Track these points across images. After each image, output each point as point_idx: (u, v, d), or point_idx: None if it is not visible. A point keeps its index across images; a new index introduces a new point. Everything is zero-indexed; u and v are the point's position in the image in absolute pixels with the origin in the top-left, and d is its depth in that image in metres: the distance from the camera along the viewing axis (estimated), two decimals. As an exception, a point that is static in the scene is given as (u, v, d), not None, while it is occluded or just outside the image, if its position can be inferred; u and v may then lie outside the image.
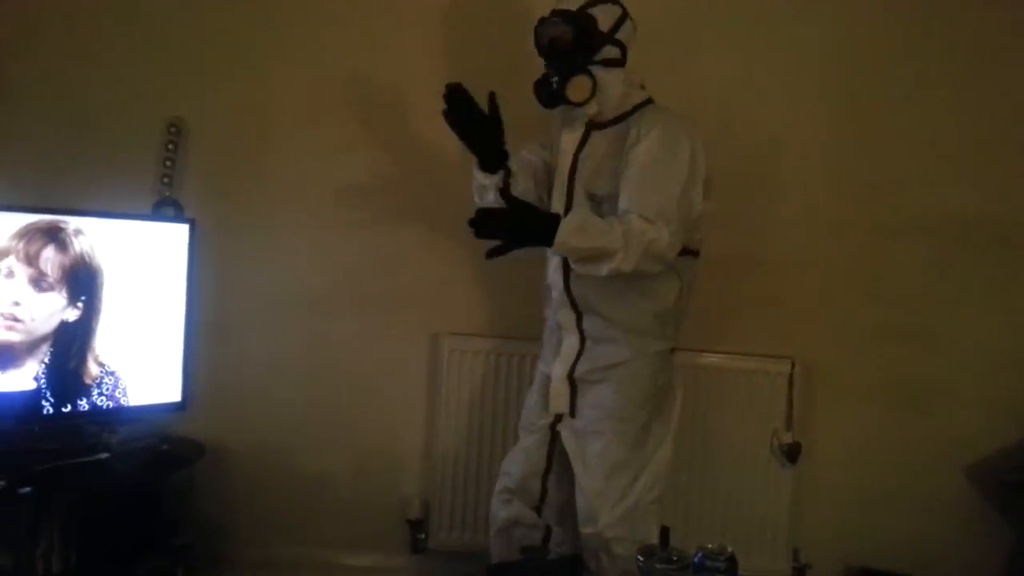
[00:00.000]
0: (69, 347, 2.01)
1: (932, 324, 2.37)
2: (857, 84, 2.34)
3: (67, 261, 2.00)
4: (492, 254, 1.63)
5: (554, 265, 1.85)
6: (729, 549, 1.39)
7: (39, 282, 1.96)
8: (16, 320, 1.93)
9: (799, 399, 2.32)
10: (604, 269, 1.62)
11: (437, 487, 2.37)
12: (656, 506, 1.80)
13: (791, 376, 2.32)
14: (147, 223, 2.23)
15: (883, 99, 2.34)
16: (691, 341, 2.28)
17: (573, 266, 1.71)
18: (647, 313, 1.80)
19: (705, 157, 1.74)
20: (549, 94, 1.76)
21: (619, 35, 1.77)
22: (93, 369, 2.06)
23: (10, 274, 1.92)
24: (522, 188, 1.88)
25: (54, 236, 1.98)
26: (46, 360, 1.98)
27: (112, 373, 2.09)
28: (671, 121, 1.74)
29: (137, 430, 2.12)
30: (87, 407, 2.05)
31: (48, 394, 1.99)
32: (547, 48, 1.78)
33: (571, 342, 1.86)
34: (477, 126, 1.77)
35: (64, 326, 2.01)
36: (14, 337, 1.93)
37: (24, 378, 1.96)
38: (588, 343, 1.84)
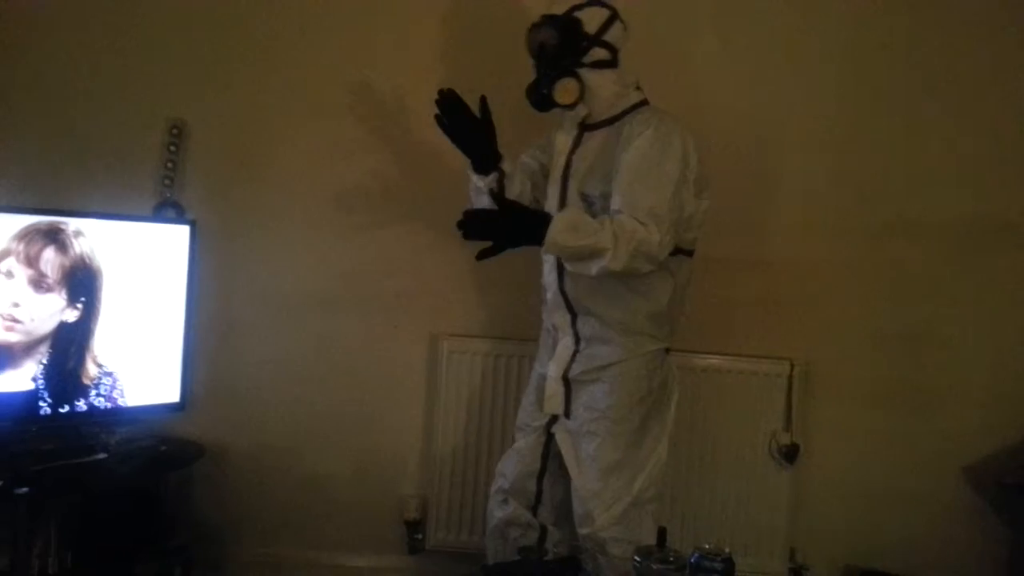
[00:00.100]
0: (68, 348, 2.02)
1: (930, 326, 2.37)
2: (857, 85, 2.35)
3: (67, 262, 2.00)
4: (483, 255, 1.63)
5: (549, 267, 1.86)
6: (726, 550, 1.39)
7: (39, 283, 1.96)
8: (16, 321, 1.94)
9: (798, 400, 2.32)
10: (594, 268, 1.63)
11: (435, 488, 2.37)
12: (652, 506, 1.80)
13: (790, 377, 2.32)
14: (148, 224, 2.24)
15: (883, 100, 2.35)
16: (690, 343, 2.29)
17: (565, 264, 1.71)
18: (641, 313, 1.80)
19: (698, 157, 1.74)
20: (538, 97, 1.79)
21: (607, 37, 1.79)
22: (91, 370, 2.07)
23: (10, 275, 1.92)
24: (518, 190, 1.91)
25: (54, 237, 1.99)
26: (44, 361, 1.99)
27: (110, 374, 2.10)
28: (663, 122, 1.74)
29: (135, 430, 2.13)
30: (85, 408, 2.05)
31: (46, 395, 1.99)
32: (536, 53, 1.80)
33: (566, 343, 1.86)
34: (469, 129, 1.81)
35: (63, 327, 2.01)
36: (13, 338, 1.94)
37: (22, 379, 1.96)
38: (583, 344, 1.84)
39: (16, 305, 1.93)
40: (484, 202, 1.87)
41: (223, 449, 2.37)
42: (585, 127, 1.83)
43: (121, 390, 2.11)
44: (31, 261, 1.95)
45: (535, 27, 1.80)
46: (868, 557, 2.36)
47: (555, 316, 1.89)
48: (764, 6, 2.35)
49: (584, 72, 1.77)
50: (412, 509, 2.40)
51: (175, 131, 2.36)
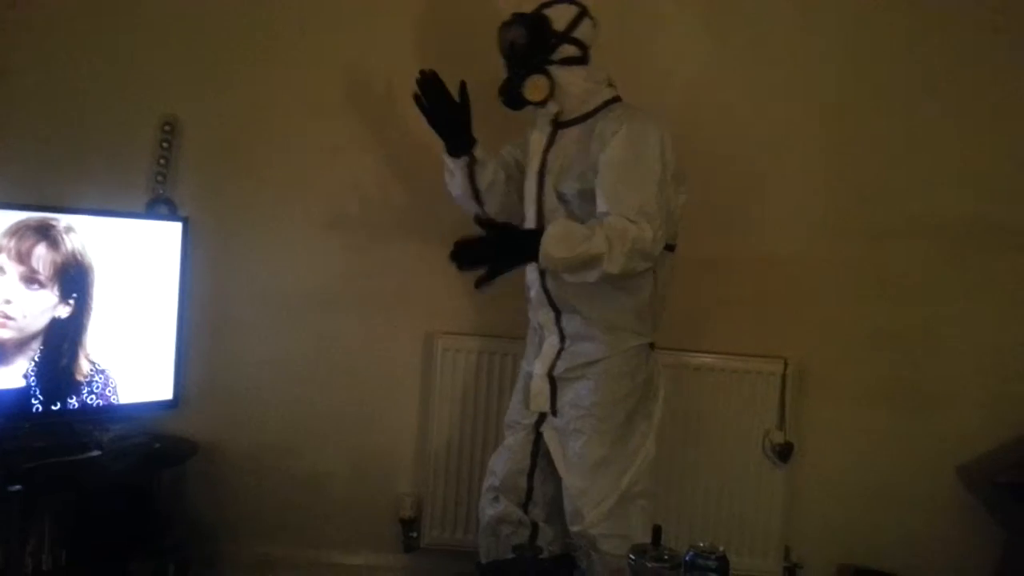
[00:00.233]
0: (60, 345, 2.01)
1: (924, 325, 2.37)
2: (854, 85, 2.35)
3: (59, 258, 2.00)
4: (481, 283, 1.60)
5: (532, 265, 1.85)
6: (720, 548, 1.39)
7: (31, 280, 1.95)
8: (8, 318, 1.93)
9: (792, 399, 2.32)
10: (593, 275, 1.61)
11: (430, 486, 2.37)
12: (642, 501, 1.80)
13: (784, 376, 2.32)
14: (141, 221, 2.23)
15: (880, 99, 2.35)
16: (684, 341, 2.30)
17: (564, 276, 1.70)
18: (623, 309, 1.80)
19: (675, 150, 1.73)
20: (510, 95, 1.81)
21: (576, 34, 1.79)
22: (84, 367, 2.06)
23: (1, 271, 1.91)
24: (490, 178, 1.94)
25: (45, 233, 1.98)
26: (36, 358, 1.98)
27: (103, 371, 2.09)
28: (635, 118, 1.73)
29: (129, 428, 2.13)
30: (77, 405, 2.05)
31: (38, 392, 1.98)
32: (507, 51, 1.81)
33: (552, 341, 1.87)
34: (447, 112, 1.86)
35: (55, 323, 2.00)
36: (5, 335, 1.93)
37: (13, 376, 1.95)
38: (568, 342, 1.85)
39: (8, 302, 1.93)
40: (456, 185, 1.95)
41: (217, 447, 2.36)
42: (559, 124, 1.83)
43: (114, 387, 2.11)
44: (23, 257, 1.95)
45: (505, 26, 1.81)
46: (862, 555, 2.37)
47: (539, 314, 1.90)
48: (764, 6, 2.34)
49: (554, 69, 1.77)
50: (407, 507, 2.40)
51: (168, 128, 2.35)
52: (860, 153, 2.36)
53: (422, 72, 1.83)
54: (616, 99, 1.83)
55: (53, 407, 2.01)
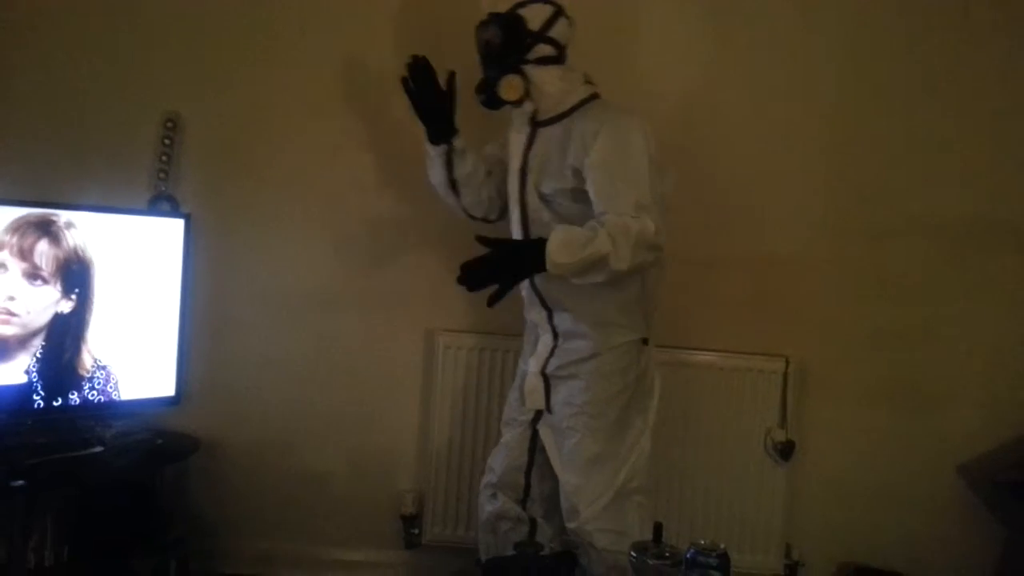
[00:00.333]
0: (62, 340, 2.01)
1: (925, 324, 2.38)
2: (854, 85, 2.35)
3: (60, 254, 2.00)
4: (493, 301, 1.62)
5: None
6: (722, 546, 1.39)
7: (33, 276, 1.96)
8: (11, 314, 1.93)
9: (793, 397, 2.33)
10: (602, 275, 1.61)
11: (431, 482, 2.38)
12: (639, 497, 1.80)
13: (785, 374, 2.33)
14: (143, 218, 2.23)
15: (881, 99, 2.35)
16: (685, 339, 2.30)
17: (573, 280, 1.68)
18: (611, 304, 1.79)
19: (655, 141, 1.72)
20: (486, 96, 1.81)
21: (551, 33, 1.79)
22: (86, 363, 2.06)
23: (4, 268, 1.92)
24: (469, 169, 1.95)
25: (47, 229, 1.98)
26: (39, 354, 1.98)
27: (105, 367, 2.09)
28: (614, 116, 1.74)
29: (131, 424, 2.13)
30: (79, 401, 2.05)
31: (39, 387, 1.98)
32: (483, 51, 1.81)
33: (546, 339, 1.88)
34: (433, 99, 1.85)
35: (57, 319, 2.00)
36: (9, 331, 1.93)
37: (16, 371, 1.95)
38: (560, 339, 1.86)
39: (11, 298, 1.93)
40: (436, 171, 1.96)
41: (219, 443, 2.36)
42: (537, 124, 1.83)
43: (116, 384, 2.11)
44: (25, 254, 1.95)
45: (481, 25, 1.81)
46: (863, 554, 2.38)
47: (532, 313, 1.91)
48: (764, 6, 2.34)
49: (529, 68, 1.78)
50: (408, 504, 2.40)
51: (170, 125, 2.35)
52: (860, 153, 2.37)
53: (414, 57, 1.83)
54: (594, 96, 1.83)
55: (55, 403, 2.01)
